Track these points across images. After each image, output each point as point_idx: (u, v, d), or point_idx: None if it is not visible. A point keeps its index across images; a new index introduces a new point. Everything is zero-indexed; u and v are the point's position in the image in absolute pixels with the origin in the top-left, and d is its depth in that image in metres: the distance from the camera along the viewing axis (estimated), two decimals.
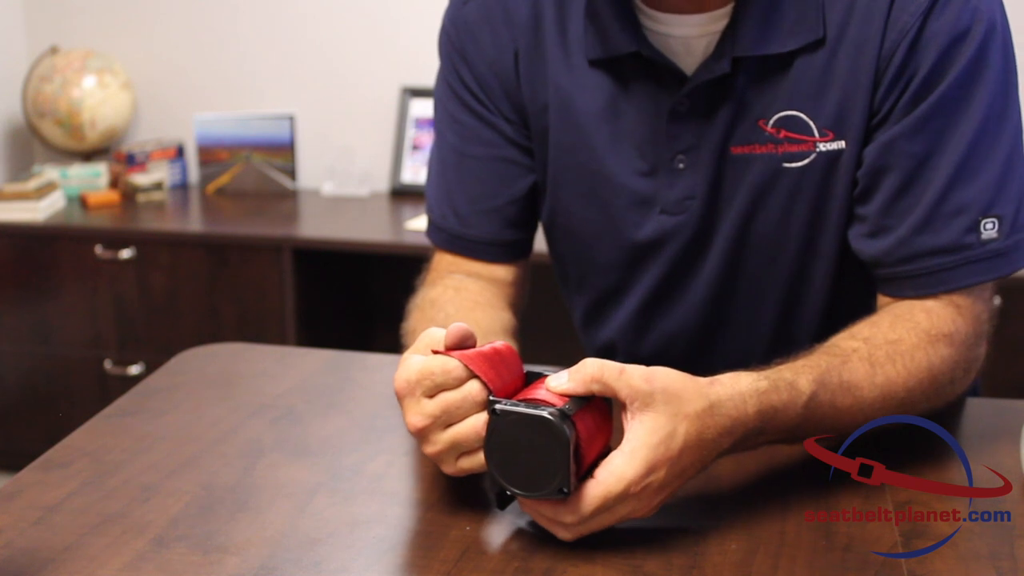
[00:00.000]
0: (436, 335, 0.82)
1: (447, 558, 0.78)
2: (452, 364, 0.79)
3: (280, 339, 2.57)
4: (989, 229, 0.95)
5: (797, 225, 1.02)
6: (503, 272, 1.13)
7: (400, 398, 0.82)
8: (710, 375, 0.83)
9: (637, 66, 1.02)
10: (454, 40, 1.10)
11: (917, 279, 0.97)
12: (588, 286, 1.15)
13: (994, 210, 0.95)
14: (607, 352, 1.17)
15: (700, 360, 1.06)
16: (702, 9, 0.99)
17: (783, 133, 0.99)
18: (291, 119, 2.97)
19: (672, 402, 0.78)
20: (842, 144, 0.99)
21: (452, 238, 1.12)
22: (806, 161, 1.00)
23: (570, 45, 1.04)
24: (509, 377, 0.80)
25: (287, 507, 0.85)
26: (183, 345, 1.30)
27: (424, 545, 0.80)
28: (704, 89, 0.99)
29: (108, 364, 2.68)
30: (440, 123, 1.13)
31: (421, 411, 0.80)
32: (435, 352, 0.81)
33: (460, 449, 0.80)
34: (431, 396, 0.79)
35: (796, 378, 0.86)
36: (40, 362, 2.73)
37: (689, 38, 1.00)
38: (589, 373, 0.79)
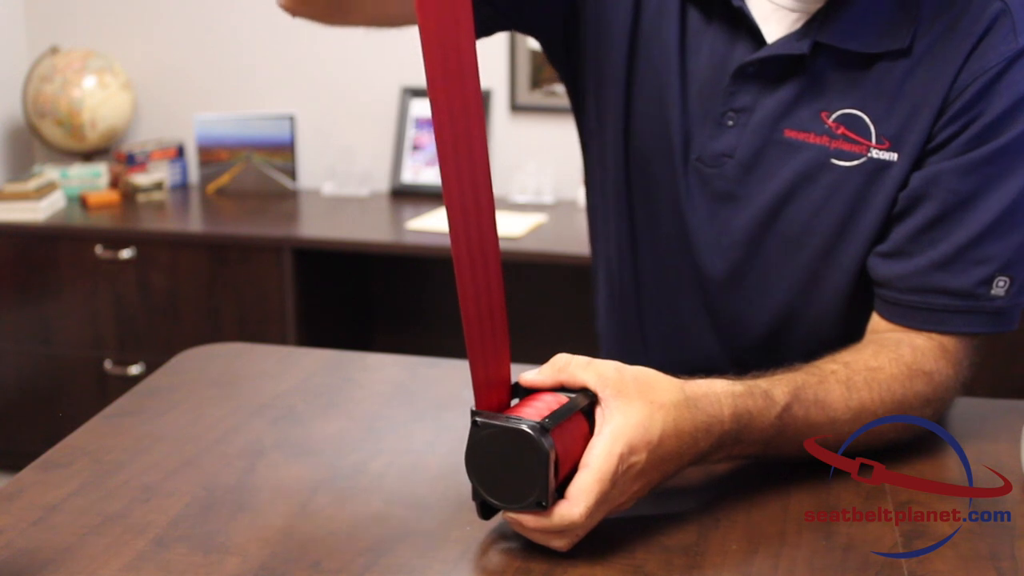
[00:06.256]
0: None
1: (447, 558, 0.78)
2: None
3: (280, 339, 2.57)
4: (1000, 286, 0.96)
5: (827, 224, 1.01)
6: None
7: None
8: (685, 364, 0.83)
9: (724, 14, 1.02)
10: None
11: (919, 312, 0.97)
12: (641, 203, 1.13)
13: (1010, 270, 0.96)
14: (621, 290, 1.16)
15: (678, 344, 1.05)
16: None
17: (841, 130, 0.99)
18: (291, 119, 2.97)
19: (646, 391, 0.78)
20: (894, 156, 0.98)
21: None
22: (856, 162, 0.99)
23: None
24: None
25: (287, 507, 0.85)
26: (183, 345, 1.30)
27: (424, 545, 0.80)
28: (777, 61, 0.99)
29: (108, 364, 2.68)
30: None
31: None
32: None
33: None
34: None
35: (771, 388, 0.86)
36: (40, 362, 2.73)
37: (783, 8, 1.00)
38: (557, 365, 0.79)
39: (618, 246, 1.14)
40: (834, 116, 0.99)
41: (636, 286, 1.14)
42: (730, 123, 1.02)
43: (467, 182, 0.72)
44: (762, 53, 0.99)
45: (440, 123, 0.70)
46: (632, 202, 1.11)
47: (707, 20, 1.03)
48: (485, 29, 1.09)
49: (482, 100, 0.73)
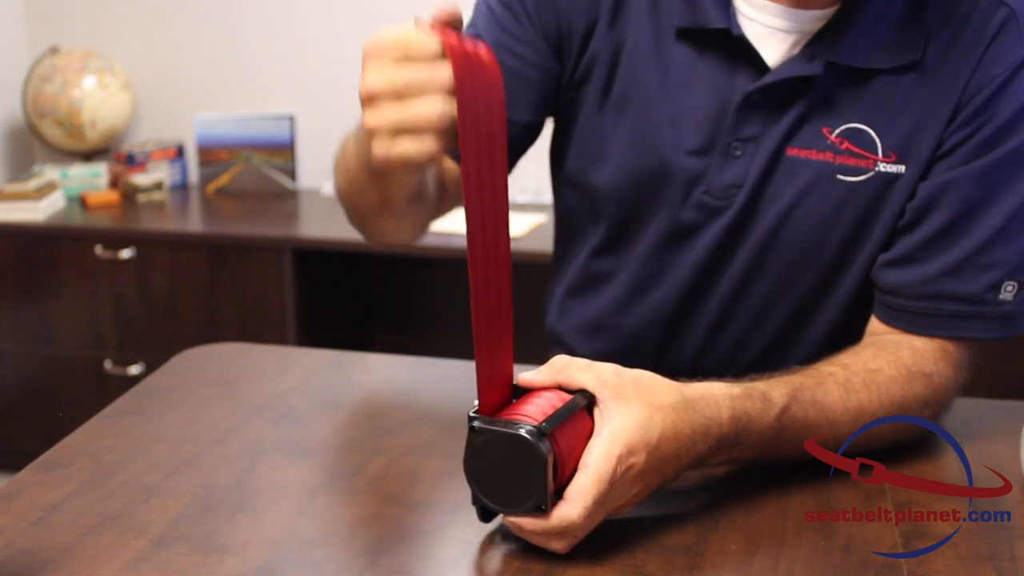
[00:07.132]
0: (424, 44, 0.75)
1: (447, 558, 0.78)
2: (430, 41, 0.75)
3: (280, 339, 2.57)
4: (1008, 291, 0.96)
5: (834, 240, 1.01)
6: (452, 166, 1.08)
7: (365, 58, 0.78)
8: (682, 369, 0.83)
9: (719, 45, 1.00)
10: None
11: (928, 318, 0.97)
12: (594, 250, 1.11)
13: (1018, 275, 0.96)
14: (589, 330, 1.15)
15: (672, 350, 1.05)
16: (806, 6, 0.97)
17: (845, 145, 0.98)
18: (291, 119, 2.97)
19: (644, 393, 0.78)
20: (902, 169, 0.97)
21: None
22: (863, 177, 0.98)
23: (660, 15, 1.02)
24: (482, 96, 0.75)
25: (287, 507, 0.85)
26: (183, 345, 1.30)
27: (424, 545, 0.80)
28: (784, 84, 0.98)
29: (108, 364, 2.68)
30: (478, 15, 1.08)
31: (381, 74, 0.76)
32: (418, 26, 0.76)
33: (403, 127, 0.75)
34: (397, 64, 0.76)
35: (769, 390, 0.86)
36: (40, 362, 2.73)
37: (779, 31, 0.98)
38: (556, 367, 0.79)
39: (591, 284, 1.13)
40: (838, 131, 0.98)
41: (613, 320, 1.13)
42: (738, 153, 1.00)
43: (487, 184, 0.73)
44: (770, 78, 0.98)
45: (464, 125, 0.70)
46: (612, 247, 1.10)
47: (699, 54, 1.01)
48: (521, 143, 1.09)
49: (505, 104, 0.74)
